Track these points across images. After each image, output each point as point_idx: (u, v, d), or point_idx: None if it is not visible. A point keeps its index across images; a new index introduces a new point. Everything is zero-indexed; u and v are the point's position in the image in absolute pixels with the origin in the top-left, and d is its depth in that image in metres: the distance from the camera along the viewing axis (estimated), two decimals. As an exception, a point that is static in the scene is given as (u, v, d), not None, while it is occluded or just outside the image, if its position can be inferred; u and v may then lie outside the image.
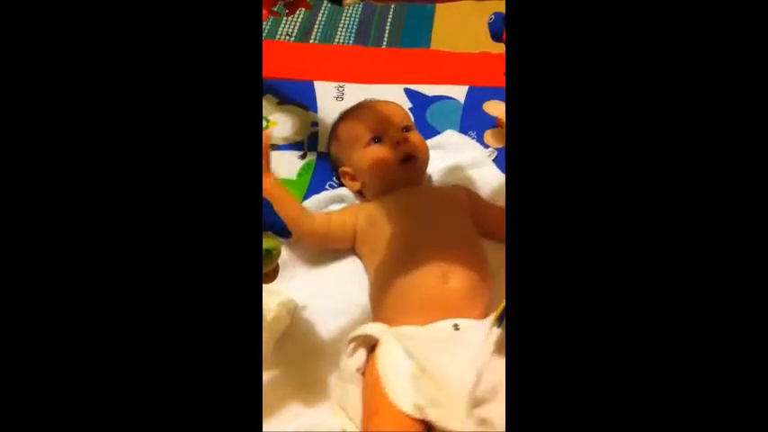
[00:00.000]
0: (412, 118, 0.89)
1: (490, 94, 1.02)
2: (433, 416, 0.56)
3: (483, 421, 0.56)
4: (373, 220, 0.76)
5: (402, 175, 0.79)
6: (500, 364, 0.59)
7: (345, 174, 0.85)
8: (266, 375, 0.68)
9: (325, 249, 0.80)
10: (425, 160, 0.84)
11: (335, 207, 0.84)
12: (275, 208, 0.70)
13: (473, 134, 0.97)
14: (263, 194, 0.69)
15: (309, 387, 0.68)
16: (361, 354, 0.65)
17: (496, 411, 0.56)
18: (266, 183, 0.70)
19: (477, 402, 0.57)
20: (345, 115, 0.87)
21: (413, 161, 0.80)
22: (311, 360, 0.70)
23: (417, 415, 0.57)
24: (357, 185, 0.84)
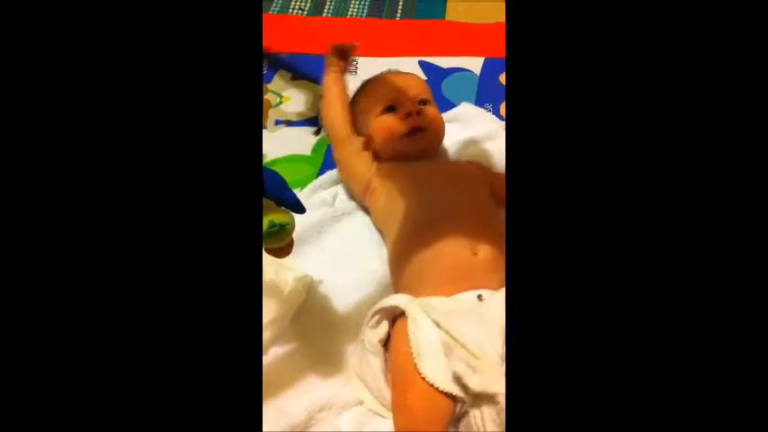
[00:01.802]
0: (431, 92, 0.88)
1: (507, 65, 1.00)
2: (474, 383, 0.57)
3: None
4: (387, 183, 0.77)
5: (411, 147, 0.79)
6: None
7: None
8: (283, 349, 0.69)
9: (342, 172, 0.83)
10: (438, 134, 0.83)
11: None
12: (326, 104, 0.84)
13: (489, 106, 0.95)
14: (325, 88, 0.84)
15: (326, 360, 0.69)
16: (385, 326, 0.65)
17: None
18: (331, 78, 0.85)
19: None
20: (366, 84, 0.87)
21: (422, 134, 0.79)
22: (327, 334, 0.71)
23: (449, 389, 0.57)
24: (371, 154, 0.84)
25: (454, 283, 0.66)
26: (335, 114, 0.84)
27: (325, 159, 0.90)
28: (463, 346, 0.58)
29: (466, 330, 0.60)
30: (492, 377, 0.56)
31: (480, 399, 0.57)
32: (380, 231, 0.79)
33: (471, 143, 0.88)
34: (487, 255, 0.67)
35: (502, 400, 0.56)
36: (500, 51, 1.03)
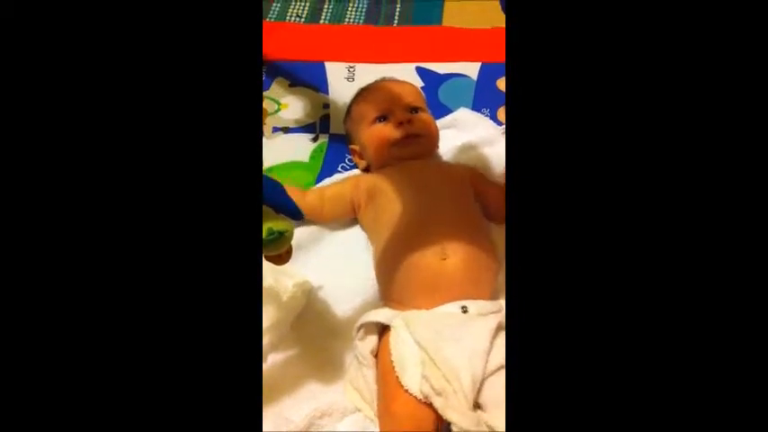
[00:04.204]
0: (425, 99, 0.88)
1: (503, 70, 1.01)
2: (438, 404, 0.57)
3: (480, 422, 0.57)
4: (372, 194, 0.77)
5: (402, 153, 0.79)
6: (501, 349, 0.60)
7: (354, 151, 0.86)
8: (283, 355, 0.69)
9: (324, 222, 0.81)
10: (432, 141, 0.83)
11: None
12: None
13: (486, 111, 0.96)
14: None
15: (325, 366, 0.69)
16: (373, 338, 0.65)
17: (496, 415, 0.57)
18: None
19: (478, 392, 0.58)
20: (360, 93, 0.88)
21: (414, 141, 0.79)
22: (327, 340, 0.71)
23: (425, 400, 0.58)
24: (364, 164, 0.85)
25: (433, 294, 0.66)
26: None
27: (324, 166, 0.90)
28: (438, 367, 0.59)
29: (445, 350, 0.60)
30: (454, 405, 0.56)
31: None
32: (365, 233, 0.79)
33: (468, 148, 0.88)
34: (457, 259, 0.67)
35: (456, 430, 0.56)
36: (497, 56, 1.04)
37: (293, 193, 0.74)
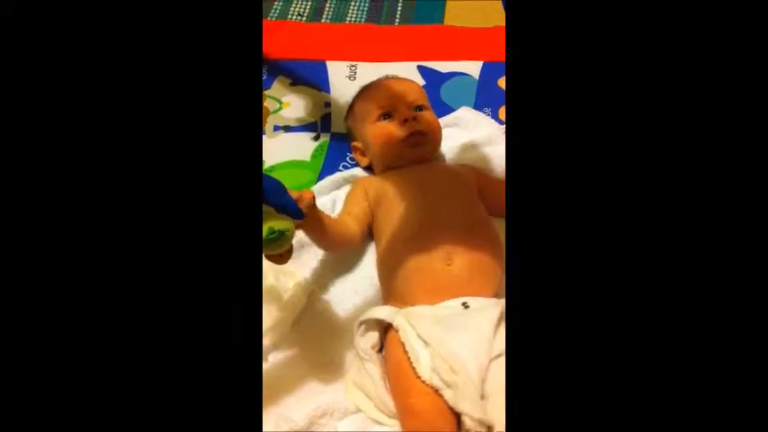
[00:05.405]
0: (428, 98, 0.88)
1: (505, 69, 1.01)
2: (448, 396, 0.58)
3: (485, 411, 0.57)
4: (379, 198, 0.77)
5: (408, 154, 0.79)
6: (503, 337, 0.60)
7: (356, 148, 0.86)
8: (284, 355, 0.69)
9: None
10: (435, 140, 0.83)
11: (348, 188, 0.84)
12: (322, 233, 0.68)
13: (488, 110, 0.96)
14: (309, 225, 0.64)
15: (327, 366, 0.69)
16: (374, 334, 0.66)
17: (496, 402, 0.57)
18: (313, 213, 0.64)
19: (484, 380, 0.59)
20: (363, 90, 0.88)
21: (419, 140, 0.79)
22: (328, 339, 0.71)
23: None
24: (366, 161, 0.85)
25: (436, 294, 0.66)
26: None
27: (325, 164, 0.90)
28: (444, 360, 0.59)
29: (449, 342, 0.60)
30: (463, 395, 0.57)
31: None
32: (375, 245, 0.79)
33: (470, 147, 0.88)
34: (462, 264, 0.67)
35: (468, 421, 0.56)
36: (499, 55, 1.04)
37: (346, 229, 0.72)
